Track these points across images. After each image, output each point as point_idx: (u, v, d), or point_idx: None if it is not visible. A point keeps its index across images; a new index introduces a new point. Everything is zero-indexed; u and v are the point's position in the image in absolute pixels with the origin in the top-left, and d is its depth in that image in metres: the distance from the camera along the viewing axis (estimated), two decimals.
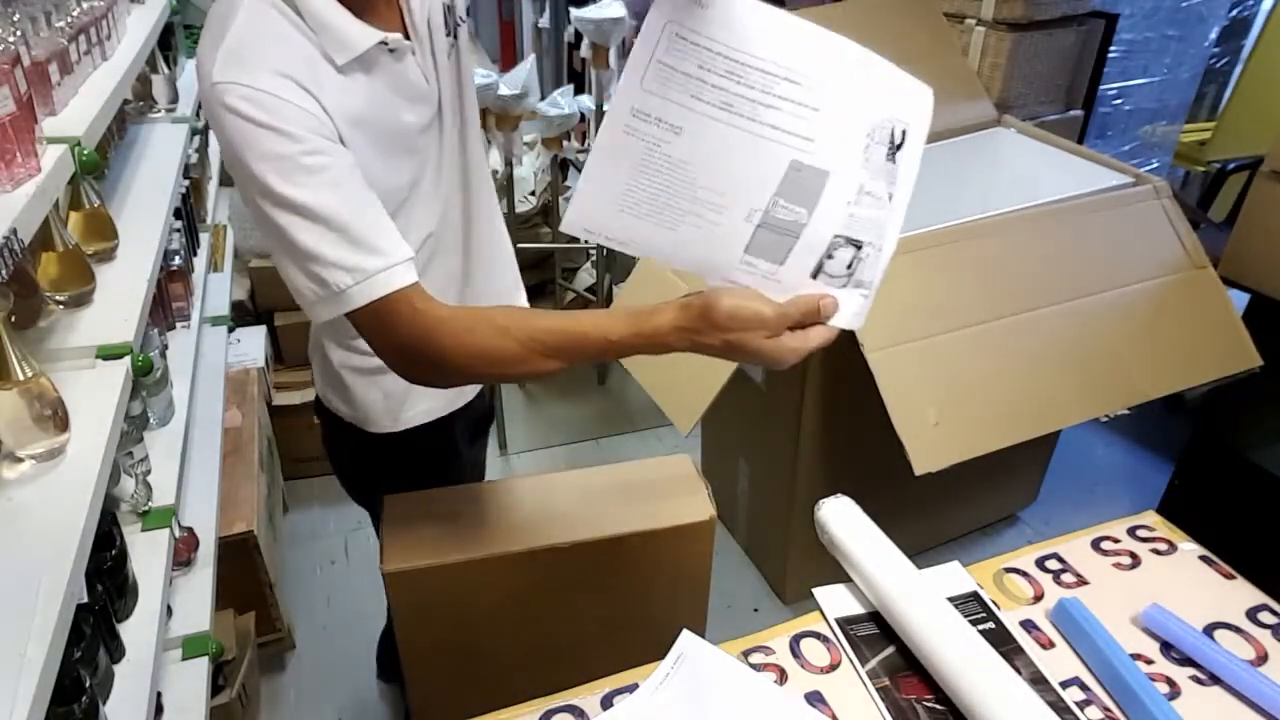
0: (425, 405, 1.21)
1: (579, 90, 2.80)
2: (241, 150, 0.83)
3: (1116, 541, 1.08)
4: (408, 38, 0.97)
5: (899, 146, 0.80)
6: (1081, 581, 1.02)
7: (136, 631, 1.15)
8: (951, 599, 0.95)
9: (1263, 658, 0.92)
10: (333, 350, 1.16)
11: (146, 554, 1.24)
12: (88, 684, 0.94)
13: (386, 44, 0.93)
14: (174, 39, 2.54)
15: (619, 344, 0.86)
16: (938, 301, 1.62)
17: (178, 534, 1.33)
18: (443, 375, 0.94)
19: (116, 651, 1.11)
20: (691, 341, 0.85)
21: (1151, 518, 1.12)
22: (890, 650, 0.93)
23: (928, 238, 1.63)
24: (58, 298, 1.23)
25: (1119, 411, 1.68)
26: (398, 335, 0.88)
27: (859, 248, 0.82)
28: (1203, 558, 1.06)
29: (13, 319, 0.97)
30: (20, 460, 0.95)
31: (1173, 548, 1.07)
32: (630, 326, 0.86)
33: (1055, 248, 1.74)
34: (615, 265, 3.11)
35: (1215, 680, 0.89)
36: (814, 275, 0.82)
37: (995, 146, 2.13)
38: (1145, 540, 1.08)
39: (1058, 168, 2.00)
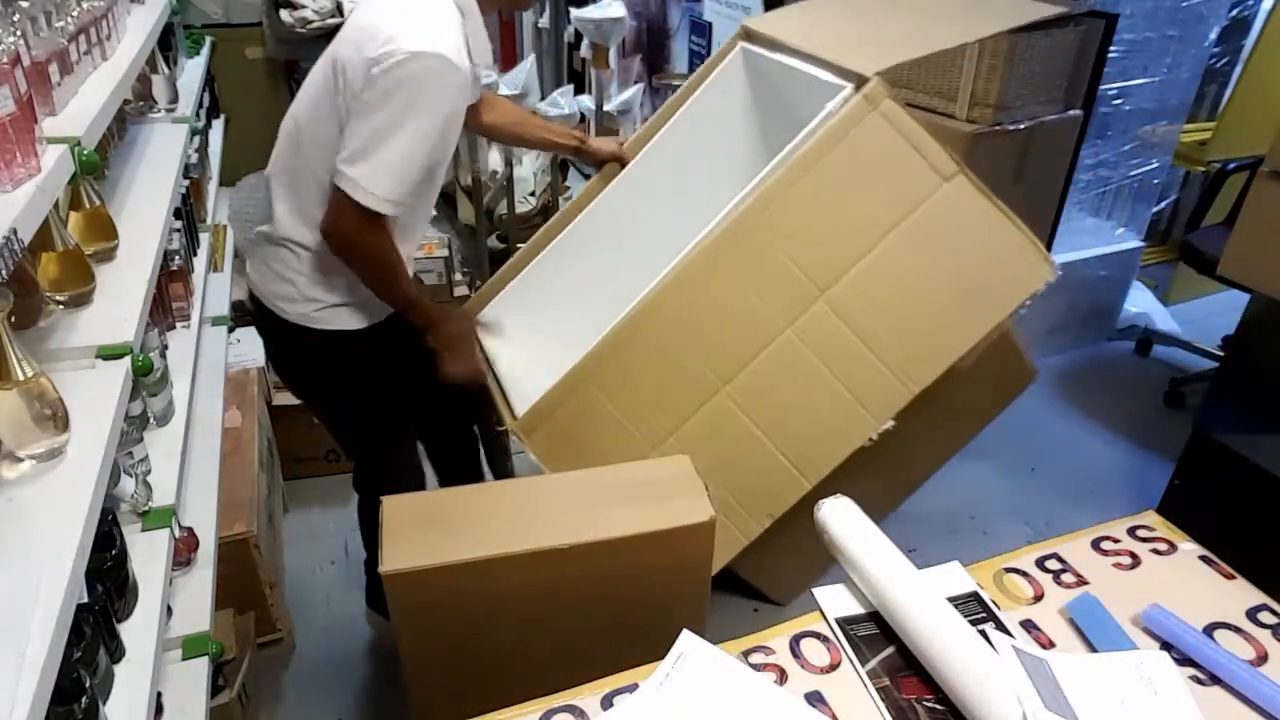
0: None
1: (579, 90, 2.80)
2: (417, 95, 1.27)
3: (1116, 541, 1.08)
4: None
5: None
6: (1081, 581, 1.02)
7: (136, 631, 1.15)
8: (951, 599, 0.95)
9: (1263, 658, 0.92)
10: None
11: (146, 554, 1.24)
12: (88, 684, 0.94)
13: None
14: (174, 39, 2.54)
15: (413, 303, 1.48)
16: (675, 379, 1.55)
17: (178, 534, 1.33)
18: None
19: (116, 651, 1.11)
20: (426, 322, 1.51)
21: (1151, 518, 1.12)
22: (890, 650, 0.93)
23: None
24: (58, 298, 1.23)
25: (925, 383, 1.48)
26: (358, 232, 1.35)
27: None
28: (1203, 558, 1.06)
29: (13, 319, 0.97)
30: (20, 460, 0.95)
31: (1173, 548, 1.07)
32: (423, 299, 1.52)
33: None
34: None
35: (1215, 680, 0.89)
36: None
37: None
38: (1145, 540, 1.08)
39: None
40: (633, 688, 0.89)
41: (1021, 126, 2.21)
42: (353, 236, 1.36)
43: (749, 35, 1.85)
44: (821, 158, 1.48)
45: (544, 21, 4.24)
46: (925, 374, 1.48)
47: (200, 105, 2.42)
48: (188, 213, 2.03)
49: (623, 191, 1.90)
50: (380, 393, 1.62)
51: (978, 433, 2.00)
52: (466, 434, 1.97)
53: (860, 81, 1.47)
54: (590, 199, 1.91)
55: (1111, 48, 2.32)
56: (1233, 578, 1.03)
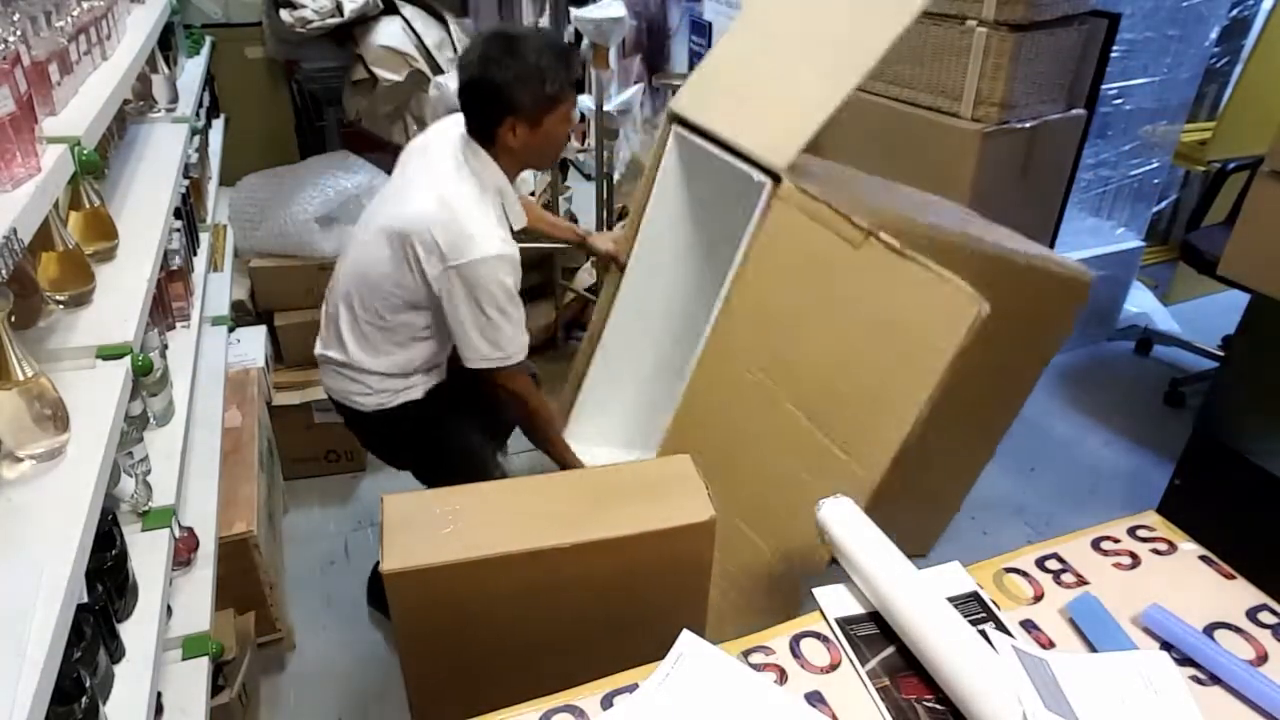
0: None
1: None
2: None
3: (1116, 541, 1.08)
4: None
5: None
6: (1081, 581, 1.02)
7: (136, 631, 1.15)
8: (951, 599, 0.95)
9: (1263, 658, 0.92)
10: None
11: (146, 554, 1.24)
12: (88, 684, 0.94)
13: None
14: (174, 39, 2.54)
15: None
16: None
17: (178, 534, 1.33)
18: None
19: (116, 651, 1.11)
20: None
21: (1151, 518, 1.12)
22: (890, 650, 0.93)
23: None
24: (58, 298, 1.23)
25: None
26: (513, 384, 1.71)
27: None
28: (1203, 558, 1.06)
29: (13, 319, 0.97)
30: (20, 460, 0.95)
31: (1173, 548, 1.07)
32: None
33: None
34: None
35: (1215, 680, 0.89)
36: None
37: None
38: (1145, 540, 1.08)
39: None
40: (633, 688, 0.89)
41: (1027, 125, 2.21)
42: (513, 390, 1.71)
43: (679, 119, 1.91)
44: (750, 262, 1.65)
45: (544, 21, 4.24)
46: (881, 458, 1.42)
47: (200, 105, 2.42)
48: (188, 213, 2.03)
49: (631, 292, 2.08)
50: (458, 434, 1.84)
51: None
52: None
53: (775, 176, 1.61)
54: (609, 306, 2.10)
55: (1112, 47, 2.32)
56: (1233, 578, 1.03)
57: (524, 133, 1.57)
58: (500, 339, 1.60)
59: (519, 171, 1.69)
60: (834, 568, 1.03)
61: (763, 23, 1.90)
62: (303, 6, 2.80)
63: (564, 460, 1.85)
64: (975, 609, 0.97)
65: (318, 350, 1.78)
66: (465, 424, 1.86)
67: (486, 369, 1.64)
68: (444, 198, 1.55)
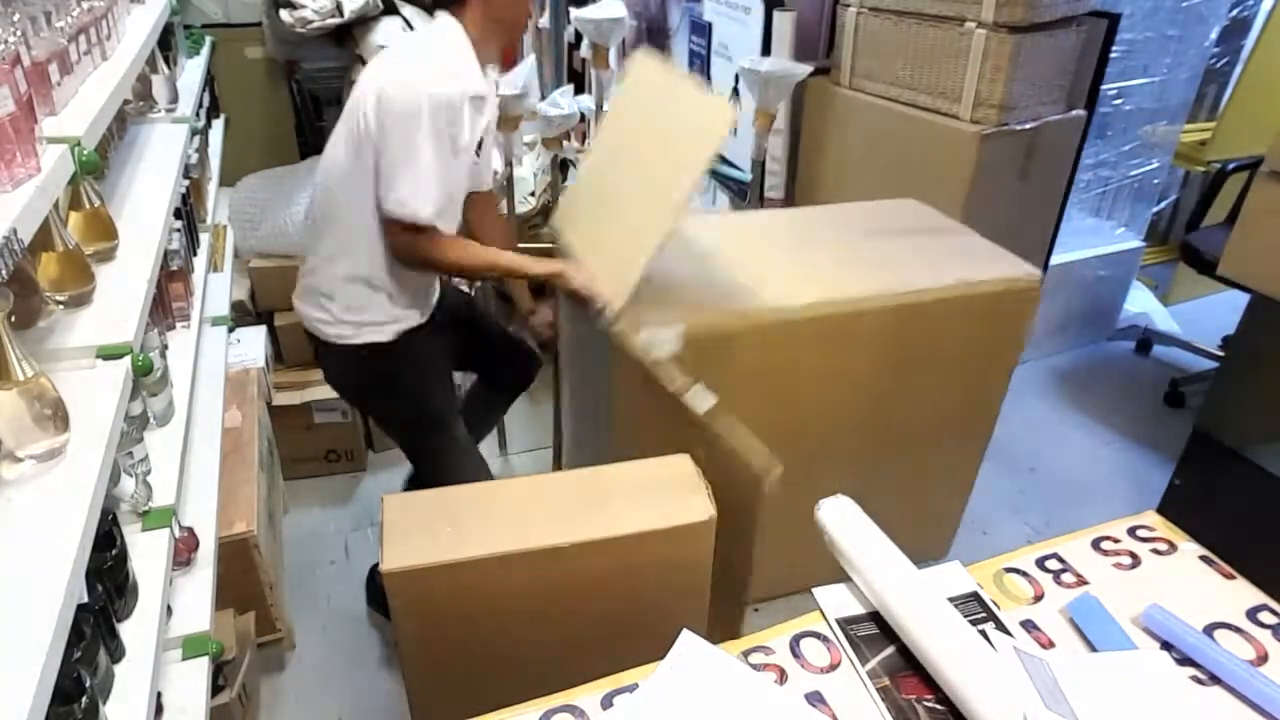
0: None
1: (579, 90, 2.79)
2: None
3: (1116, 541, 1.08)
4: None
5: None
6: (1081, 581, 1.02)
7: (136, 631, 1.15)
8: (951, 599, 0.95)
9: (1263, 658, 0.92)
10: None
11: (146, 554, 1.24)
12: (88, 684, 0.94)
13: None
14: (174, 39, 2.54)
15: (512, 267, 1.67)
16: None
17: (178, 534, 1.33)
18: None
19: (116, 651, 1.11)
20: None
21: (1151, 518, 1.12)
22: (890, 650, 0.93)
23: None
24: (58, 298, 1.23)
25: None
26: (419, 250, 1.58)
27: None
28: (1203, 558, 1.06)
29: (13, 319, 0.97)
30: (20, 460, 0.95)
31: (1173, 548, 1.07)
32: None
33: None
34: None
35: (1215, 680, 0.89)
36: None
37: None
38: (1145, 540, 1.08)
39: None
40: (633, 688, 0.89)
41: (1027, 127, 2.21)
42: (416, 254, 1.58)
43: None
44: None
45: (544, 21, 4.23)
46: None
47: (200, 105, 2.42)
48: (188, 213, 2.03)
49: None
50: (418, 394, 1.77)
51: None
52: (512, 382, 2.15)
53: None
54: None
55: (1112, 48, 2.32)
56: (1233, 578, 1.03)
57: None
58: (417, 183, 1.49)
59: (489, 45, 1.63)
60: (834, 567, 1.03)
61: (615, 131, 1.91)
62: (303, 6, 2.80)
63: (518, 271, 1.68)
64: (975, 609, 0.97)
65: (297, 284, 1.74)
66: (435, 386, 1.79)
67: (394, 221, 1.53)
68: (385, 59, 1.60)
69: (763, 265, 1.82)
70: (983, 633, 0.90)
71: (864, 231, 2.03)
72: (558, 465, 2.46)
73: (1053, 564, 1.05)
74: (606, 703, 0.88)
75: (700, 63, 3.02)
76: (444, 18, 1.59)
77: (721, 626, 1.34)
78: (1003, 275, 1.83)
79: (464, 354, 1.96)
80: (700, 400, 1.39)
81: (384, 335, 1.68)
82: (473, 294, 2.23)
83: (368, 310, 1.66)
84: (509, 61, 1.89)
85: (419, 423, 1.80)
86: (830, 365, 1.76)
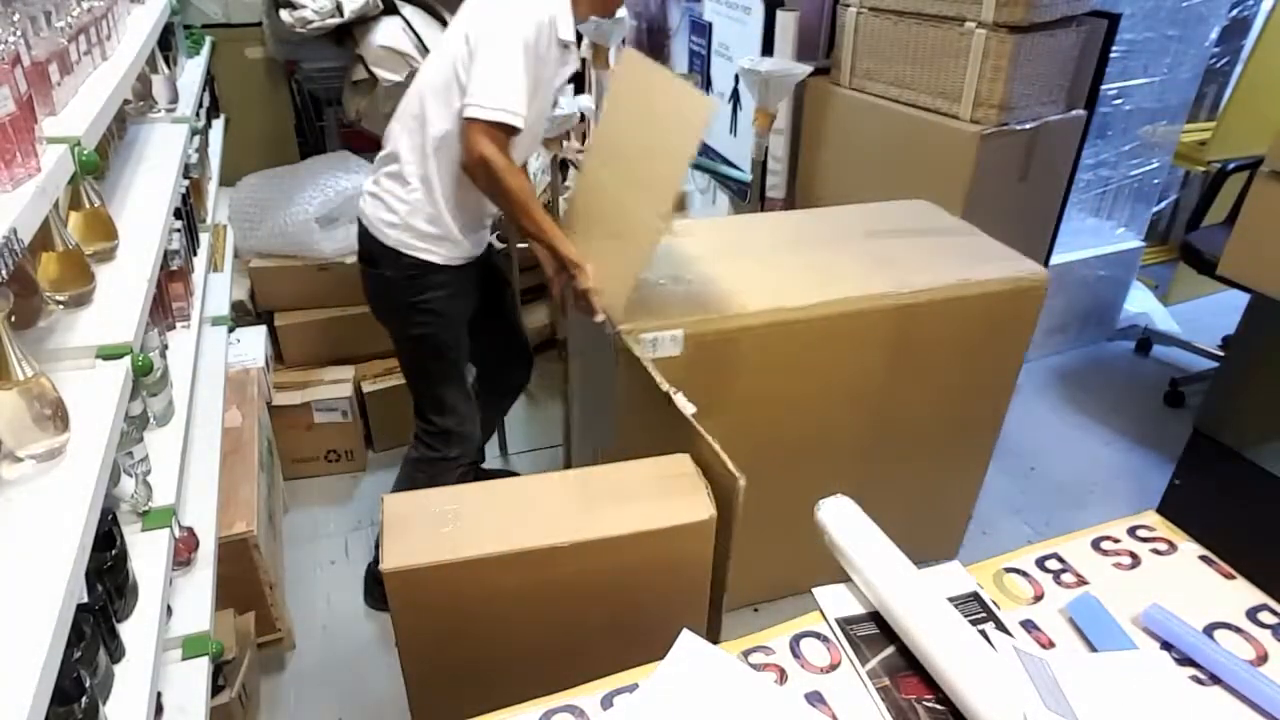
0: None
1: (579, 90, 2.80)
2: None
3: (1116, 541, 1.08)
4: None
5: None
6: (1081, 581, 1.02)
7: (136, 631, 1.15)
8: (951, 599, 0.95)
9: (1263, 658, 0.92)
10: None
11: (146, 554, 1.24)
12: (88, 684, 0.94)
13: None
14: (174, 39, 2.54)
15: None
16: None
17: (178, 534, 1.33)
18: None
19: (116, 651, 1.11)
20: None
21: (1151, 518, 1.12)
22: (890, 650, 0.93)
23: None
24: (58, 298, 1.23)
25: None
26: (490, 151, 1.60)
27: None
28: (1203, 558, 1.06)
29: (13, 319, 0.97)
30: (20, 460, 0.95)
31: (1173, 548, 1.07)
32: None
33: None
34: None
35: (1215, 680, 0.89)
36: None
37: None
38: (1145, 540, 1.09)
39: None
40: (633, 688, 0.89)
41: (1027, 127, 2.21)
42: (487, 155, 1.60)
43: None
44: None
45: None
46: None
47: (200, 105, 2.42)
48: (188, 213, 2.03)
49: None
50: (443, 326, 1.87)
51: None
52: (517, 375, 2.26)
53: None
54: None
55: (1112, 48, 2.31)
56: (1233, 578, 1.03)
57: None
58: (500, 86, 1.57)
59: (583, 5, 1.73)
60: (835, 568, 1.03)
61: (606, 133, 1.93)
62: (303, 6, 2.80)
63: (547, 239, 1.72)
64: (975, 609, 0.97)
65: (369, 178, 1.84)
66: (459, 324, 1.89)
67: (470, 119, 1.59)
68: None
69: (770, 266, 1.83)
70: (983, 633, 0.90)
71: (871, 232, 2.03)
72: (568, 463, 2.46)
73: (1053, 564, 1.05)
74: (606, 703, 0.88)
75: (700, 63, 3.02)
76: None
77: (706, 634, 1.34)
78: (1009, 274, 1.83)
79: (479, 324, 2.01)
80: (685, 405, 1.40)
81: (436, 257, 1.79)
82: (509, 282, 2.26)
83: (430, 224, 1.76)
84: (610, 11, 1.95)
85: (436, 349, 1.89)
86: (836, 365, 1.76)
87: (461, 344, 1.93)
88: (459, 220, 1.77)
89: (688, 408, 1.39)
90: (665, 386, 1.44)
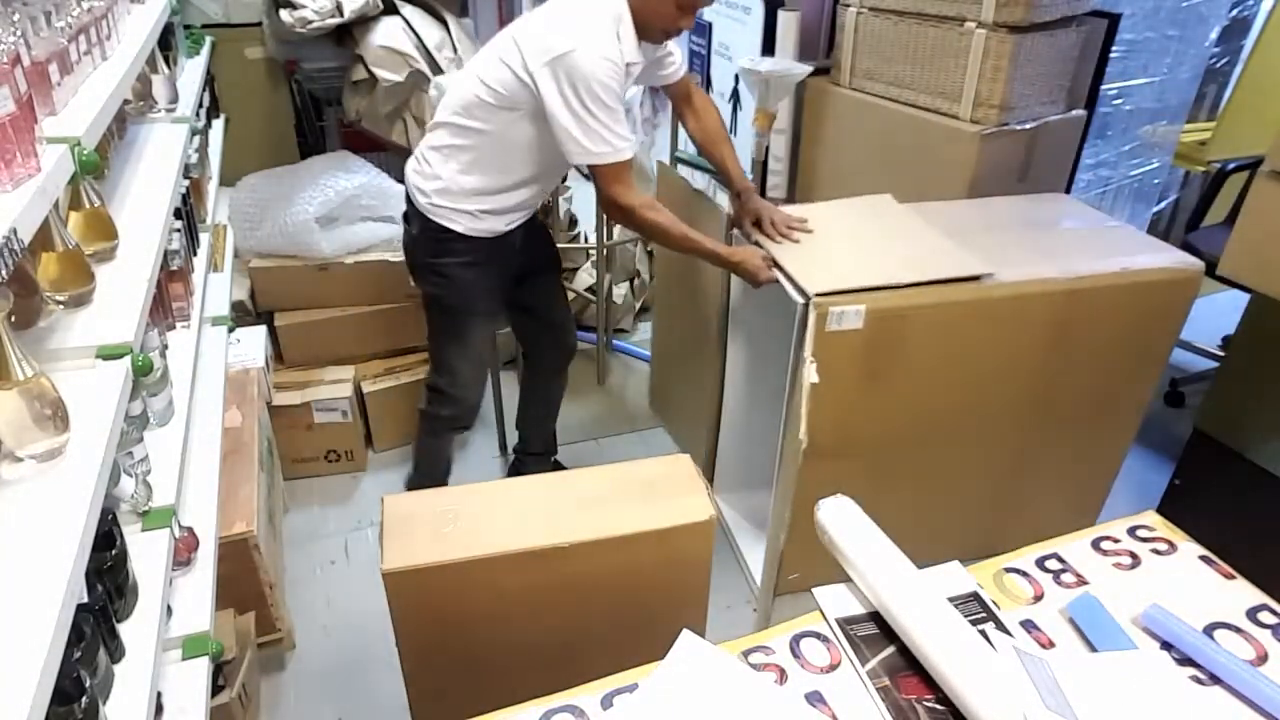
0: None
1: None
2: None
3: (1116, 541, 1.08)
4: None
5: None
6: (1081, 581, 1.02)
7: (136, 631, 1.15)
8: (951, 599, 0.95)
9: (1263, 658, 0.92)
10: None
11: (146, 554, 1.24)
12: (88, 684, 0.94)
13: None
14: (174, 39, 2.54)
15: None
16: None
17: (178, 534, 1.33)
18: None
19: (116, 651, 1.11)
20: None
21: (1151, 518, 1.12)
22: (890, 650, 0.93)
23: None
24: (58, 298, 1.23)
25: None
26: (618, 189, 1.75)
27: None
28: (1203, 558, 1.06)
29: (13, 319, 0.97)
30: (20, 460, 0.95)
31: (1173, 548, 1.07)
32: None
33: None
34: (615, 265, 3.11)
35: (1215, 680, 0.89)
36: None
37: None
38: (1145, 540, 1.08)
39: None
40: (633, 688, 0.89)
41: (1027, 127, 2.21)
42: (624, 204, 1.75)
43: None
44: None
45: None
46: None
47: (200, 105, 2.42)
48: (188, 213, 2.03)
49: None
50: (453, 290, 1.94)
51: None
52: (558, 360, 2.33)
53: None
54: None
55: (1112, 48, 2.31)
56: (1233, 578, 1.03)
57: None
58: (602, 134, 1.66)
59: (643, 20, 1.74)
60: (834, 568, 1.03)
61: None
62: (303, 6, 2.80)
63: (705, 251, 1.82)
64: (975, 609, 0.97)
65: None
66: (480, 291, 1.96)
67: (595, 170, 1.72)
68: (553, 11, 1.71)
69: (935, 250, 1.84)
70: (983, 633, 0.90)
71: (1023, 222, 2.04)
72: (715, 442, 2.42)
73: (1053, 564, 1.05)
74: (606, 703, 0.88)
75: (700, 63, 3.01)
76: None
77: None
78: (1167, 264, 1.85)
79: (520, 301, 2.13)
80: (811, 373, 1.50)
81: (458, 226, 1.86)
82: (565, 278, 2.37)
83: (454, 200, 1.84)
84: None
85: (444, 310, 1.98)
86: (997, 344, 1.79)
87: (473, 311, 1.99)
88: (481, 205, 1.85)
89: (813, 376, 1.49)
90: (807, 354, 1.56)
